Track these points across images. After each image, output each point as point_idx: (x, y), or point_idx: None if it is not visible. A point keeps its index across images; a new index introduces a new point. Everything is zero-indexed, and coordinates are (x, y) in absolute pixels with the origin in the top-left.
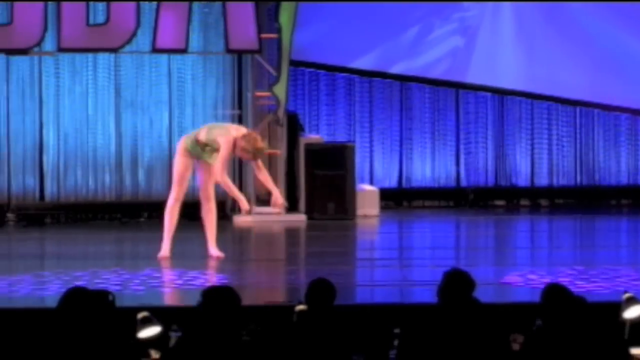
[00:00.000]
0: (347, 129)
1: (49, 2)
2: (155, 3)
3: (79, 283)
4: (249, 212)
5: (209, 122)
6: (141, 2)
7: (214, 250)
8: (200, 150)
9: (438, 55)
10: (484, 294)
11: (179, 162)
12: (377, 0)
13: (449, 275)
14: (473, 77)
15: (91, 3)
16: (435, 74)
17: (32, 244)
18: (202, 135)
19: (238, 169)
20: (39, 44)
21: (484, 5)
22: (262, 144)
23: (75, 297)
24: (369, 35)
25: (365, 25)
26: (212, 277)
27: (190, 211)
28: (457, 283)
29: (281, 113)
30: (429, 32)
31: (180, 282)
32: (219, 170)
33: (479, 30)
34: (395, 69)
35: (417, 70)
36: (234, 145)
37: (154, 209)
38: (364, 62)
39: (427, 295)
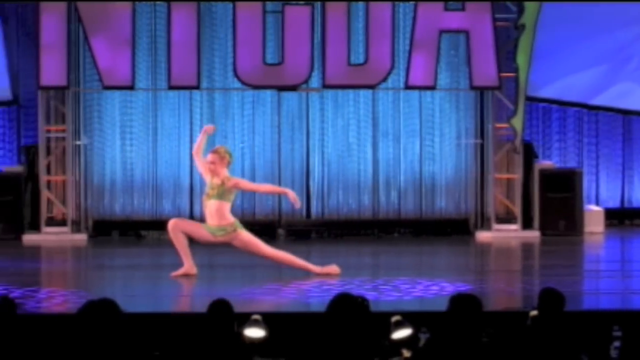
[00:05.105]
0: (575, 156)
1: (315, 46)
2: (408, 48)
3: (340, 290)
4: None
5: (454, 151)
6: (396, 46)
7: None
8: None
9: None
10: None
11: None
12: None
13: None
14: None
15: (352, 47)
16: None
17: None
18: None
19: (480, 189)
20: (306, 81)
21: None
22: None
23: (342, 301)
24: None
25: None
26: (457, 286)
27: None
28: None
29: (518, 142)
30: None
31: (425, 289)
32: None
33: None
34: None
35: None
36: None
37: (407, 226)
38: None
39: None
